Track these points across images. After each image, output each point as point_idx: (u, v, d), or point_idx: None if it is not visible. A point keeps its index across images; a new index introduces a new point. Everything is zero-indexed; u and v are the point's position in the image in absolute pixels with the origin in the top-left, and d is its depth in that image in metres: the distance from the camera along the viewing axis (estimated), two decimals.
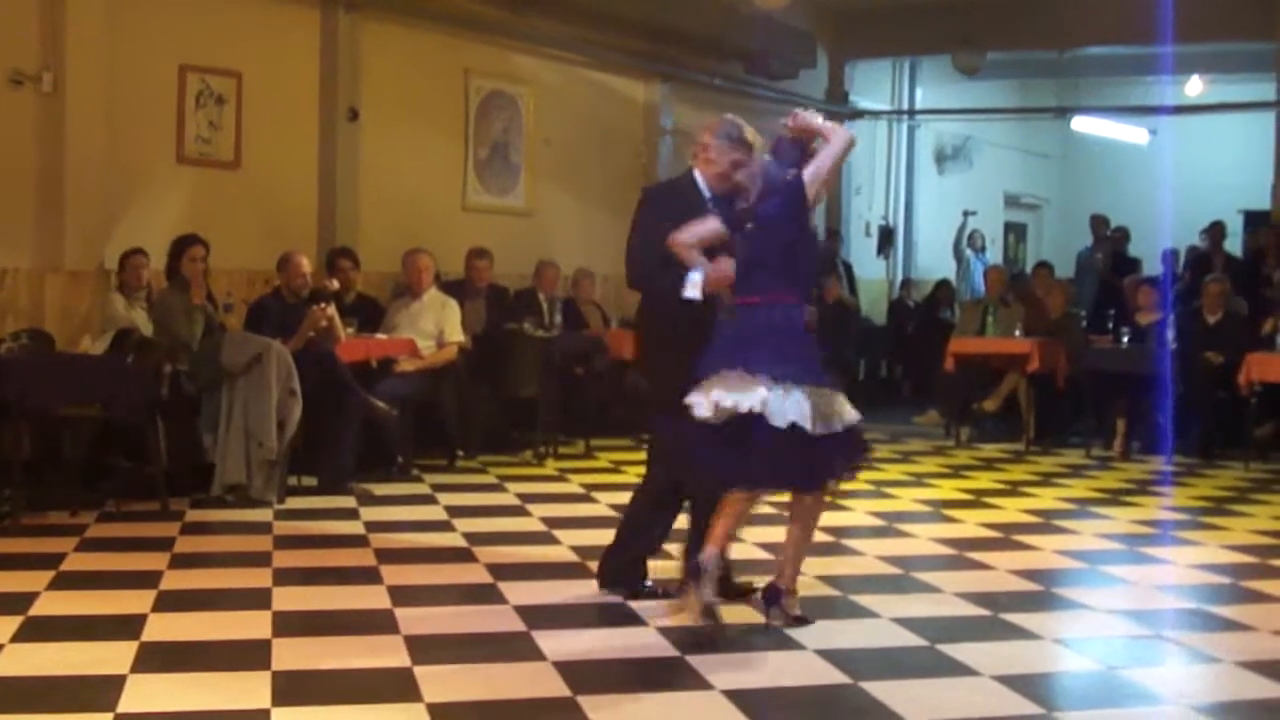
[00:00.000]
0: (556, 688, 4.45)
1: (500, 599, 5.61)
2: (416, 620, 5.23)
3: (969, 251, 16.42)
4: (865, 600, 5.79)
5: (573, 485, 8.70)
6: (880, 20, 15.09)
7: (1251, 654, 5.08)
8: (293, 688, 4.37)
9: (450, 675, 4.58)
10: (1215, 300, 10.94)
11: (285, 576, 5.94)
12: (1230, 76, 16.41)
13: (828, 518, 7.69)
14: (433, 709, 4.19)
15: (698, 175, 5.61)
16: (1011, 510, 8.14)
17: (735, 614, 5.27)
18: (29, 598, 5.40)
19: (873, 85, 16.33)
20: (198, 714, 4.14)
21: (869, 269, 16.25)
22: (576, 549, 6.62)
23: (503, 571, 6.08)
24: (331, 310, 8.32)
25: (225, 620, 5.21)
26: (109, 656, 4.65)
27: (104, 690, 4.28)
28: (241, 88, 9.34)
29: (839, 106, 15.55)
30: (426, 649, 4.84)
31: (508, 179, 11.58)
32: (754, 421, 4.96)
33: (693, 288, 5.19)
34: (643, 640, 5.07)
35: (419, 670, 4.58)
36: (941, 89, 16.99)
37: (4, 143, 8.16)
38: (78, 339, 8.18)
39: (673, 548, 5.78)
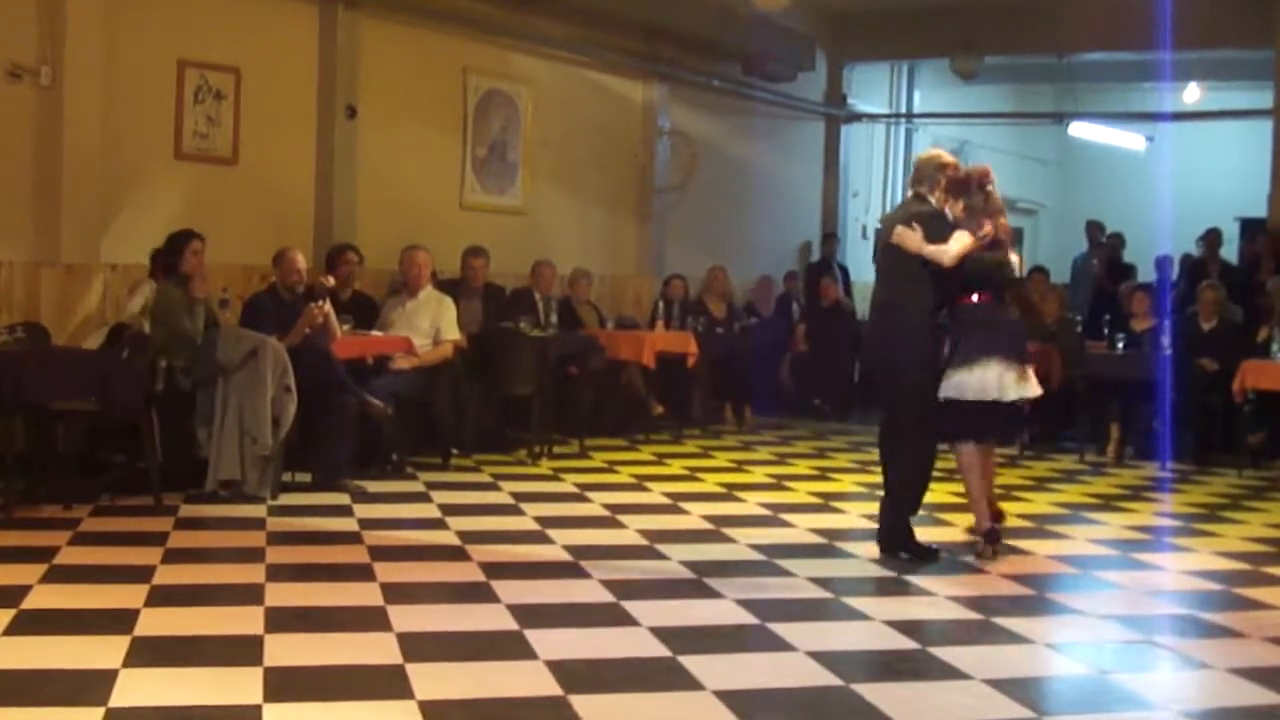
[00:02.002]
0: (548, 686, 4.46)
1: (493, 597, 5.61)
2: (409, 617, 5.23)
3: None
4: (858, 603, 5.80)
5: (566, 485, 8.70)
6: (879, 24, 15.10)
7: (1243, 661, 5.09)
8: (285, 683, 4.37)
9: (442, 673, 4.58)
10: (1210, 307, 10.96)
11: (278, 572, 5.94)
12: (1228, 84, 16.42)
13: (823, 519, 7.75)
14: (424, 706, 4.20)
15: (932, 200, 6.87)
16: (1005, 515, 8.13)
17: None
18: (22, 591, 5.40)
19: (871, 88, 16.34)
20: (189, 709, 4.14)
21: (865, 272, 16.19)
22: (570, 548, 6.62)
23: (496, 570, 6.08)
24: (327, 307, 8.32)
25: (218, 615, 5.22)
26: (101, 650, 4.64)
27: (96, 684, 4.28)
28: (240, 84, 9.34)
29: (837, 109, 15.58)
30: (419, 646, 4.84)
31: (505, 178, 11.58)
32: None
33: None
34: (635, 640, 5.08)
35: (411, 667, 4.58)
36: (939, 93, 17.00)
37: (1, 136, 8.14)
38: (78, 334, 8.19)
39: None
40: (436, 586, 5.94)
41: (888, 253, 6.81)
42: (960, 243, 6.61)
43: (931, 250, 6.62)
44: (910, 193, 7.07)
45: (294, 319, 8.18)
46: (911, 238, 6.66)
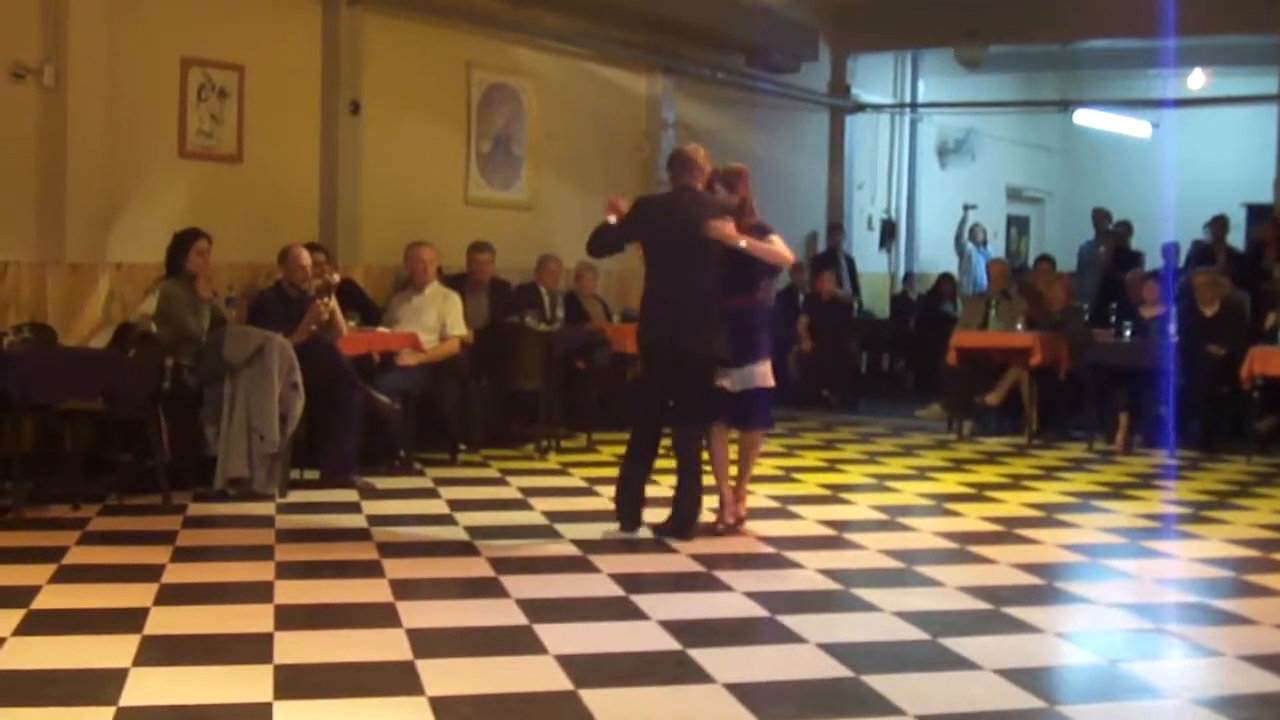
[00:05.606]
0: (558, 681, 4.46)
1: (502, 592, 5.62)
2: (418, 613, 5.23)
3: (970, 245, 16.42)
4: (867, 594, 5.79)
5: (575, 479, 8.70)
6: (883, 13, 15.07)
7: (1253, 648, 5.08)
8: (295, 681, 4.37)
9: (452, 669, 4.59)
10: (1206, 292, 10.87)
11: (287, 570, 5.95)
12: (1233, 70, 16.39)
13: (831, 511, 7.75)
14: (434, 702, 4.20)
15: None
16: (1013, 504, 8.14)
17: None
18: (31, 591, 5.41)
19: (875, 78, 16.32)
20: (200, 707, 4.15)
21: (871, 263, 16.24)
22: (578, 543, 6.62)
23: (505, 565, 6.09)
24: (333, 303, 8.32)
25: (227, 614, 5.22)
26: (111, 650, 4.65)
27: (106, 683, 4.29)
28: (243, 81, 9.33)
29: (841, 99, 15.55)
30: (428, 642, 4.84)
31: (509, 172, 11.57)
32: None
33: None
34: (644, 634, 5.08)
35: (421, 664, 4.58)
36: (944, 82, 16.98)
37: (6, 136, 8.14)
38: (84, 333, 8.19)
39: None
40: (445, 582, 5.94)
41: (710, 245, 6.69)
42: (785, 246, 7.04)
43: (769, 250, 6.88)
44: (692, 183, 6.81)
45: (300, 316, 8.18)
46: (741, 236, 6.77)
